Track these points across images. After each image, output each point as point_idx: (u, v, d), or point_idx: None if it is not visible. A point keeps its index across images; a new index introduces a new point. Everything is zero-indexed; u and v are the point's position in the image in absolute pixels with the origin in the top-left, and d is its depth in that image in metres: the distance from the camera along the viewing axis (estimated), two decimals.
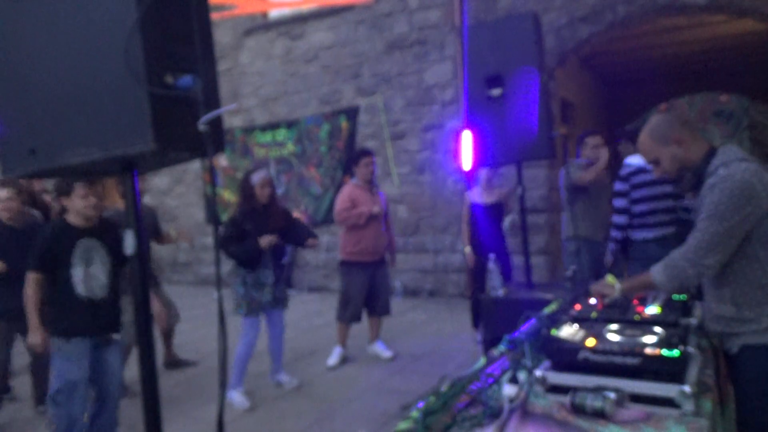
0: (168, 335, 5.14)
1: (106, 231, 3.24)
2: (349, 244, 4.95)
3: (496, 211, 5.19)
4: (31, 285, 3.10)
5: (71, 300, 3.09)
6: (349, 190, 5.01)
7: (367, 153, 5.05)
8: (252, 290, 4.18)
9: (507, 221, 5.19)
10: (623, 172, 4.27)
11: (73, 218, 3.15)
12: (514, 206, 5.17)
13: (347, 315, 4.99)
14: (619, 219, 4.25)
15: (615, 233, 4.28)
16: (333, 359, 4.96)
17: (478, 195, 5.19)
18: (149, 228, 4.76)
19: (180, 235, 4.87)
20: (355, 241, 4.91)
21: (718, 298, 1.96)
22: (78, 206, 3.09)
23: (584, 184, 4.48)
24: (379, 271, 5.03)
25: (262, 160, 8.88)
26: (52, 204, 4.91)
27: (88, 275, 3.12)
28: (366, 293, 4.99)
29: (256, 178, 4.23)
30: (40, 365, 4.14)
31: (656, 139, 2.03)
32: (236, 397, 4.16)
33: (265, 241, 4.10)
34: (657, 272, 1.97)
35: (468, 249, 5.17)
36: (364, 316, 5.12)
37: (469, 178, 5.24)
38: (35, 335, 3.15)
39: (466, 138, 3.72)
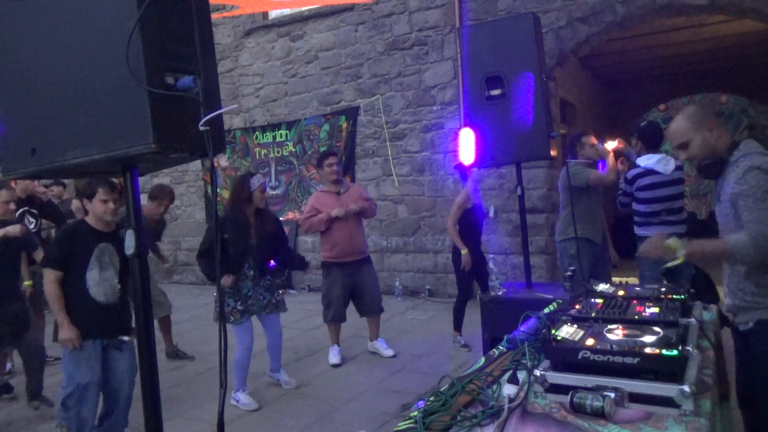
0: (166, 328, 5.35)
1: (120, 235, 3.23)
2: (326, 248, 4.97)
3: (482, 211, 5.28)
4: (52, 283, 3.08)
5: (83, 302, 3.09)
6: (315, 197, 5.05)
7: (329, 154, 5.12)
8: (231, 300, 4.11)
9: (491, 210, 5.26)
10: (630, 174, 4.28)
11: (92, 221, 3.15)
12: (488, 203, 5.29)
13: (329, 315, 5.00)
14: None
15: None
16: (334, 358, 4.96)
17: (473, 197, 5.20)
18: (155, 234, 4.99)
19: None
20: (330, 245, 4.92)
21: (739, 274, 2.11)
22: (98, 210, 3.09)
23: (606, 184, 4.47)
24: (362, 270, 4.99)
25: (262, 161, 8.88)
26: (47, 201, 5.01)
27: (103, 279, 3.11)
28: (349, 293, 4.99)
29: (256, 182, 4.18)
30: (32, 360, 4.18)
31: (692, 123, 2.17)
32: (243, 399, 4.15)
33: (226, 280, 4.00)
34: (741, 245, 1.96)
35: (466, 251, 5.04)
36: (356, 316, 5.13)
37: (464, 176, 5.24)
38: (67, 331, 3.08)
39: (466, 135, 3.72)
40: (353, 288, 4.98)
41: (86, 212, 3.22)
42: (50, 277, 3.08)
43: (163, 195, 4.89)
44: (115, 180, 3.16)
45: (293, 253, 4.67)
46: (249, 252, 4.14)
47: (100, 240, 3.13)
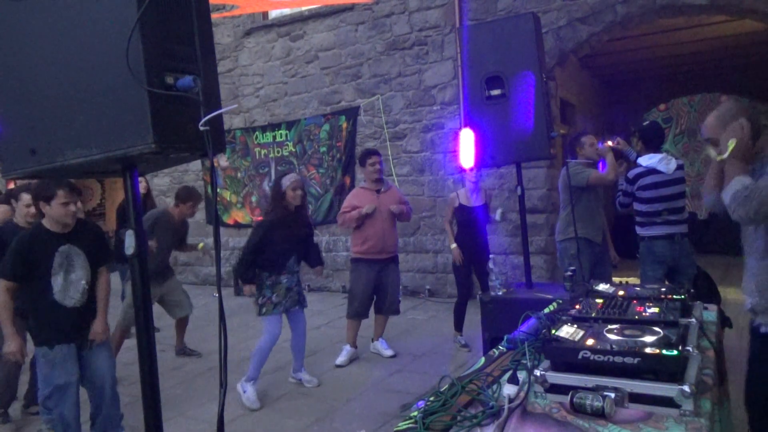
0: (182, 327, 5.48)
1: (83, 234, 3.13)
2: (357, 243, 5.04)
3: (484, 212, 5.26)
4: (3, 293, 3.00)
5: (51, 308, 3.01)
6: (354, 193, 5.13)
7: (372, 153, 5.14)
8: (268, 291, 4.20)
9: (498, 213, 5.22)
10: (631, 173, 4.28)
11: (49, 224, 3.03)
12: (495, 205, 5.25)
13: (351, 310, 5.05)
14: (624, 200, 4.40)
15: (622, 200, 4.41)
16: (341, 358, 4.97)
17: (465, 197, 5.19)
18: (180, 236, 5.27)
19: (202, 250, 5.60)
20: (361, 240, 4.99)
21: (765, 268, 2.13)
22: (58, 213, 2.98)
23: (606, 183, 4.46)
24: (388, 270, 5.05)
25: (262, 161, 8.88)
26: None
27: (69, 282, 3.03)
28: (373, 291, 5.04)
29: (287, 181, 4.23)
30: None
31: (721, 122, 2.24)
32: (250, 393, 4.14)
33: (246, 290, 4.21)
34: (734, 184, 2.07)
35: (455, 245, 5.20)
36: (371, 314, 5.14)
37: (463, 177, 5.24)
38: (11, 343, 3.05)
39: (467, 136, 3.72)
40: (376, 285, 5.03)
41: (42, 215, 3.08)
42: (1, 288, 2.99)
43: (196, 197, 5.05)
44: (72, 181, 3.07)
45: (317, 248, 4.74)
46: (296, 247, 4.28)
47: (60, 243, 3.01)
